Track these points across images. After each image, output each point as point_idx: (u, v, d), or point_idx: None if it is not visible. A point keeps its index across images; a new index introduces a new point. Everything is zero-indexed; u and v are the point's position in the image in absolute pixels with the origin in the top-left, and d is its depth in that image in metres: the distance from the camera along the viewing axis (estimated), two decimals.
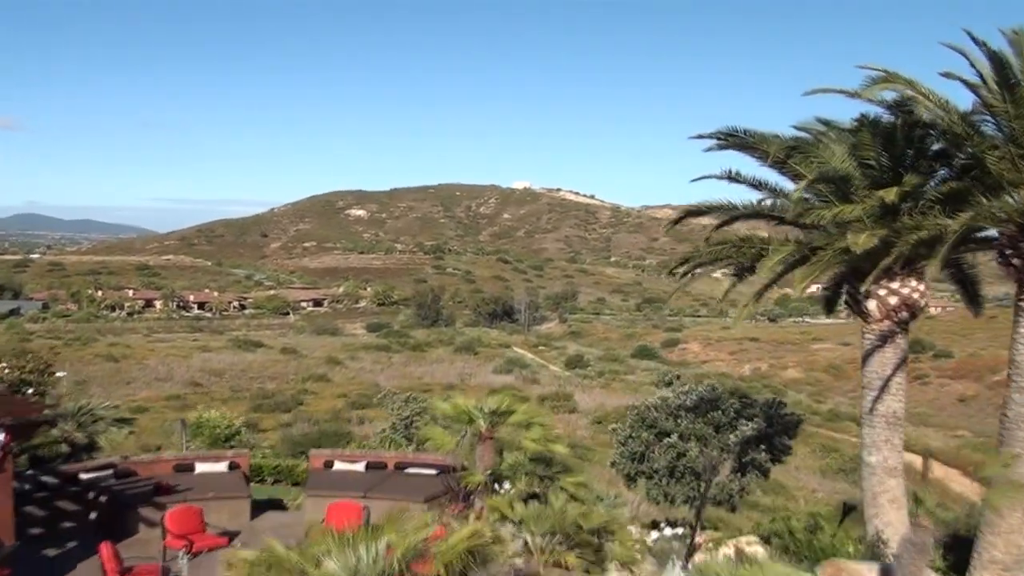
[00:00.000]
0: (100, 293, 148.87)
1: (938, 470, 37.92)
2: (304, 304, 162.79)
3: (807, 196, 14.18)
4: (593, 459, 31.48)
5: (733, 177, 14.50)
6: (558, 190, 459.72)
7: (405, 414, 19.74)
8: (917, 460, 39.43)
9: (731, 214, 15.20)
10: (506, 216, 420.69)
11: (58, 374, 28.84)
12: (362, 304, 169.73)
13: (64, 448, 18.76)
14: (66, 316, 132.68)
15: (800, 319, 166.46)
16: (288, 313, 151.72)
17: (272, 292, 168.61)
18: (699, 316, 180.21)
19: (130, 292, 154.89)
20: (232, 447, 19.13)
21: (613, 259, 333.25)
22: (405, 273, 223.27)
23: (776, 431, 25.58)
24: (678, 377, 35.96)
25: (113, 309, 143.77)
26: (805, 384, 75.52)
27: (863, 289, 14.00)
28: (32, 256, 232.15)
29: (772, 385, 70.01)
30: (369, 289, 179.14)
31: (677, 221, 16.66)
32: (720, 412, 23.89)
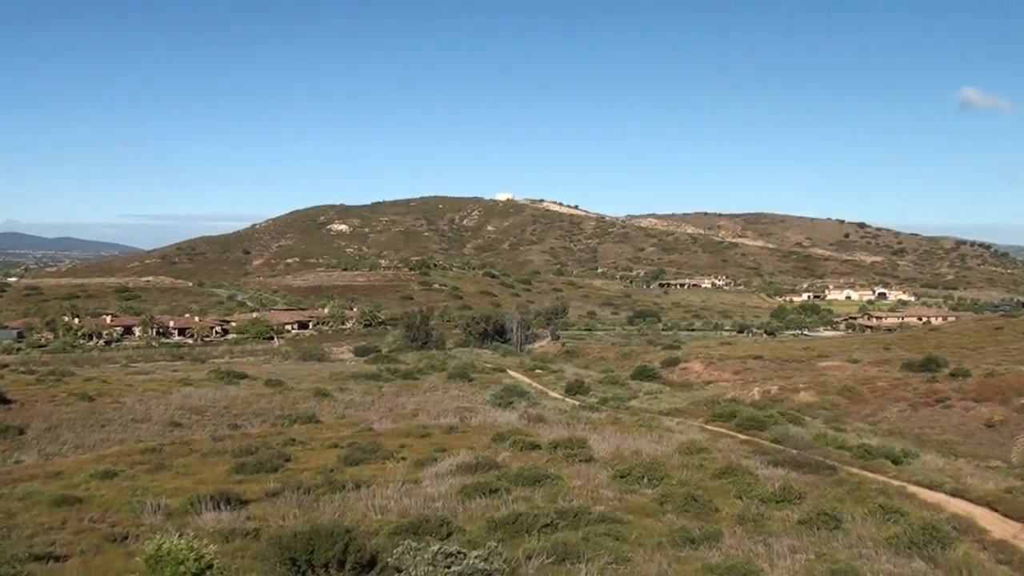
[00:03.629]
0: (77, 320, 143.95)
1: (998, 527, 33.33)
2: (288, 327, 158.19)
3: None
4: (631, 537, 26.83)
5: None
6: (541, 201, 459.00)
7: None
8: (979, 513, 34.93)
9: None
10: (490, 228, 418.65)
11: None
12: (348, 325, 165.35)
13: None
14: (42, 347, 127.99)
15: (798, 332, 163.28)
16: (272, 337, 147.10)
17: (255, 315, 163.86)
18: (693, 330, 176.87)
19: (107, 318, 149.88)
20: None
21: (600, 270, 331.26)
22: (391, 290, 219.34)
23: None
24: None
25: (90, 337, 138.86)
26: (820, 408, 71.36)
27: None
28: (9, 280, 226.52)
29: (788, 412, 66.05)
30: (355, 309, 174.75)
31: None
32: None
